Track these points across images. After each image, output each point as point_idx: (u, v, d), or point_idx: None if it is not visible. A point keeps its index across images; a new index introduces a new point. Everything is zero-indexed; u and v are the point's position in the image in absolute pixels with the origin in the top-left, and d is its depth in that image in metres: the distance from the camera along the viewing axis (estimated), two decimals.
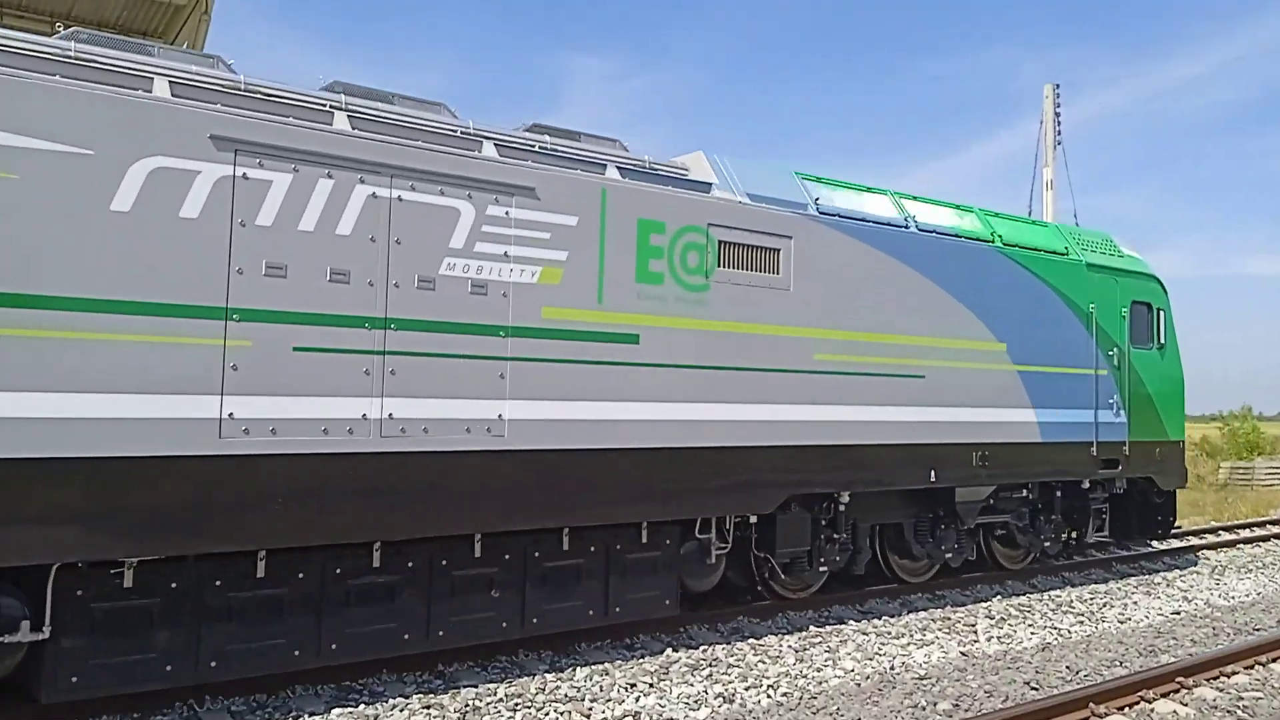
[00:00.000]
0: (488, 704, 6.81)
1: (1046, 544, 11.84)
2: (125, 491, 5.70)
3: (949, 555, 10.84)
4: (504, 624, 7.40)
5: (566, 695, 7.07)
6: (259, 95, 6.63)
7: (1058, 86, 26.23)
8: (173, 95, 6.12)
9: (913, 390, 9.81)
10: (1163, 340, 12.63)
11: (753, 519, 8.99)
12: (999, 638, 9.22)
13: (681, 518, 8.19)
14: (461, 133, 7.28)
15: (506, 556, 7.42)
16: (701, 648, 8.39)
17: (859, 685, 7.49)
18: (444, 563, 7.14)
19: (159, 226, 5.86)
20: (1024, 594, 11.25)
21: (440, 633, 7.10)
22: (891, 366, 9.63)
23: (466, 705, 6.76)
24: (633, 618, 8.15)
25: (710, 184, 8.62)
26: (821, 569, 9.68)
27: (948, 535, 10.69)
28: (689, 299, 8.17)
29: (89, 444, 5.59)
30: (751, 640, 8.72)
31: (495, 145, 7.35)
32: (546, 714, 6.70)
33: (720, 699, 7.11)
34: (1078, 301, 11.54)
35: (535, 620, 7.55)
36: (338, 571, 6.74)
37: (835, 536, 9.63)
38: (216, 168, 6.07)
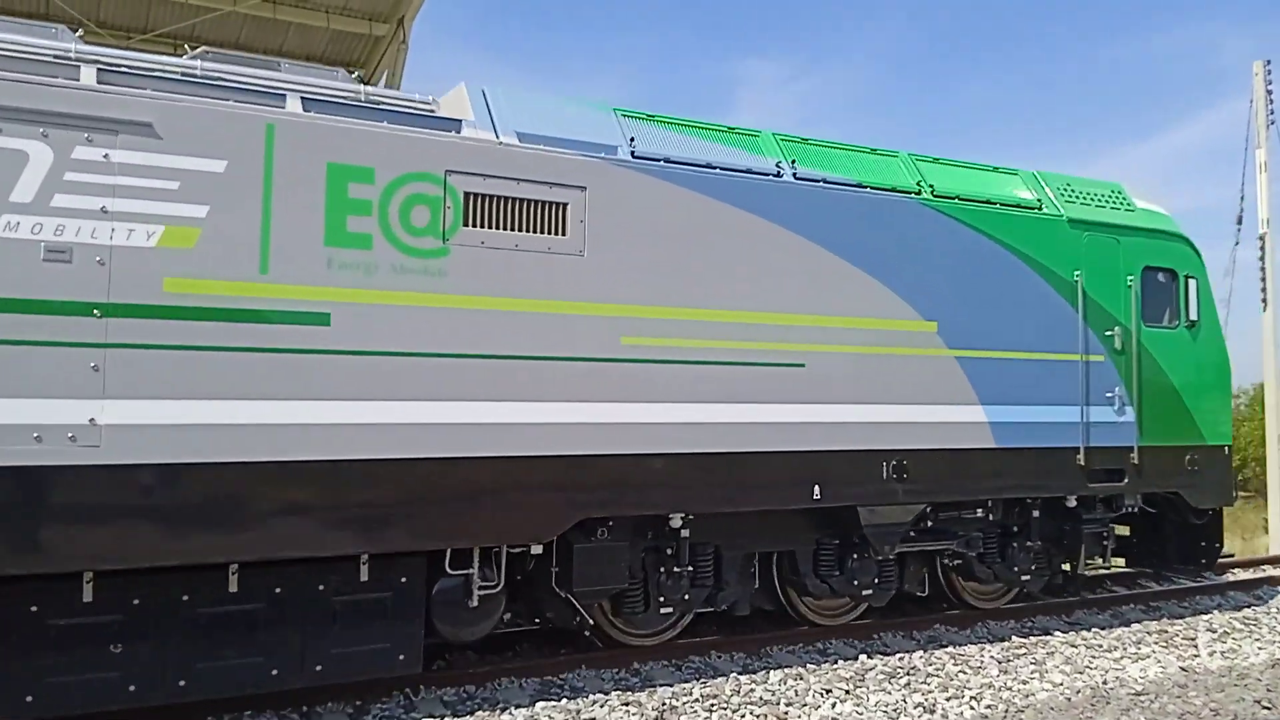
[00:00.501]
0: (684, 704, 6.86)
1: (1026, 577, 9.29)
2: None
3: (868, 593, 8.51)
4: (130, 688, 5.74)
5: (761, 698, 7.03)
6: None
7: (1268, 63, 23.11)
8: None
9: (785, 383, 7.61)
10: (1193, 317, 9.81)
11: (537, 549, 7.05)
12: (1222, 653, 8.58)
13: (402, 550, 6.35)
14: (56, 56, 5.70)
15: (135, 601, 5.77)
16: (897, 655, 8.19)
17: (1069, 700, 7.17)
18: (34, 610, 5.56)
19: None
20: (1248, 606, 10.39)
21: (28, 699, 5.51)
22: (749, 353, 7.48)
23: (664, 704, 6.82)
24: (345, 679, 6.35)
25: (459, 121, 6.75)
26: (665, 610, 7.61)
27: (864, 567, 8.38)
28: (415, 268, 6.34)
29: None
30: (950, 649, 8.44)
31: (100, 70, 5.73)
32: (743, 717, 6.69)
33: (920, 709, 6.91)
34: (1054, 268, 8.98)
35: (182, 684, 5.85)
36: None
37: (676, 570, 7.55)
38: None
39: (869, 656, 8.11)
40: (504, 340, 6.57)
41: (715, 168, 7.51)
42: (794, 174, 7.87)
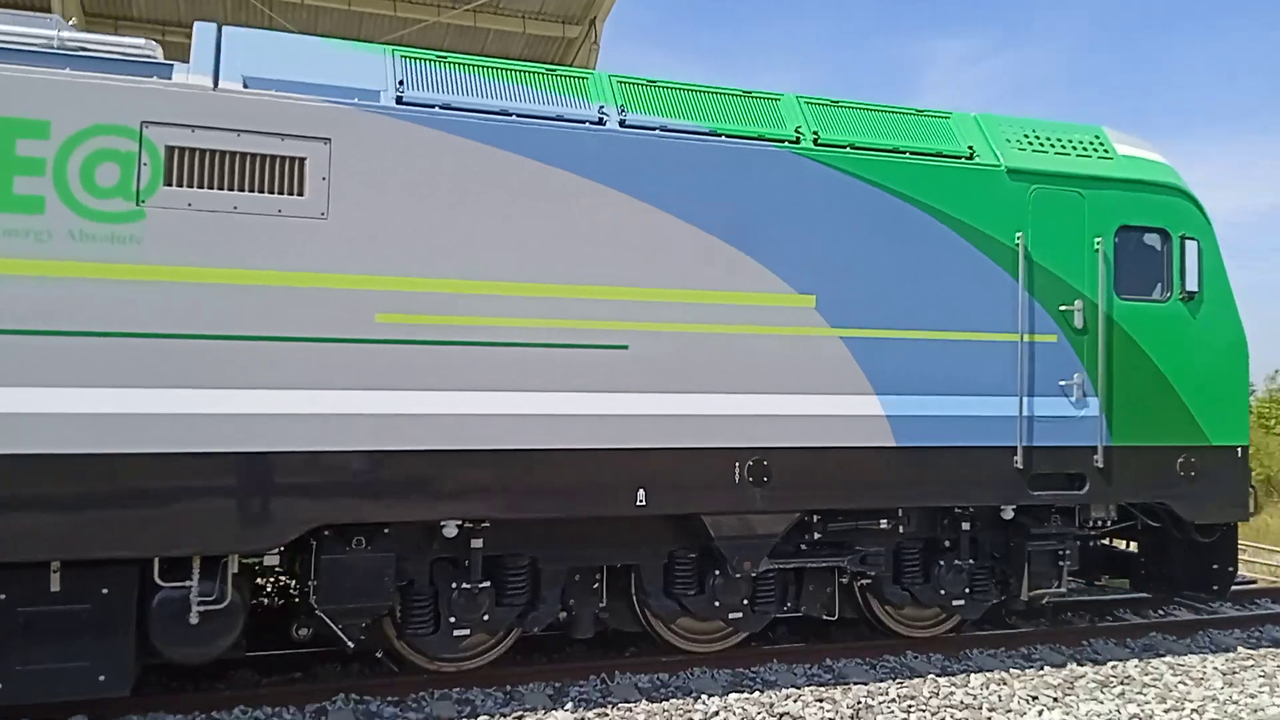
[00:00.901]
0: (880, 703, 6.74)
1: (959, 602, 7.72)
2: None
3: (736, 615, 7.19)
4: None
5: (962, 702, 6.81)
6: None
7: None
8: None
9: (601, 369, 6.42)
10: (1191, 288, 7.94)
11: (272, 560, 6.12)
12: None
13: (85, 557, 5.53)
14: None
15: None
16: (1110, 663, 7.85)
17: None
18: None
19: None
20: None
21: None
22: (552, 333, 6.32)
23: (859, 703, 6.71)
24: (33, 699, 5.61)
25: (170, 66, 5.87)
26: (460, 631, 6.55)
27: (729, 586, 7.07)
28: (99, 234, 5.51)
29: None
30: (1169, 658, 8.04)
31: None
32: None
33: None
34: (984, 228, 7.37)
35: None
36: None
37: (467, 586, 6.47)
38: None
39: (1078, 664, 7.79)
40: (217, 317, 5.66)
41: (512, 114, 6.37)
42: (622, 121, 6.63)
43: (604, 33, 14.21)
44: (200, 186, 5.69)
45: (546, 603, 6.77)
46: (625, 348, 6.47)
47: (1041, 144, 7.79)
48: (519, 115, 6.38)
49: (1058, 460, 7.49)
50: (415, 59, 6.49)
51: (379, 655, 6.87)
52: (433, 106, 6.22)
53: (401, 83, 6.24)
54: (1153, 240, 7.93)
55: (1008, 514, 7.61)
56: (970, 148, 7.49)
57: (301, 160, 5.87)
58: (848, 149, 7.10)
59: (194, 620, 5.86)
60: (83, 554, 5.47)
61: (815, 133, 7.07)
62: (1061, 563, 7.75)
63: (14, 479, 5.30)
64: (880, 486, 7.08)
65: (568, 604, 7.00)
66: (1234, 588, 9.39)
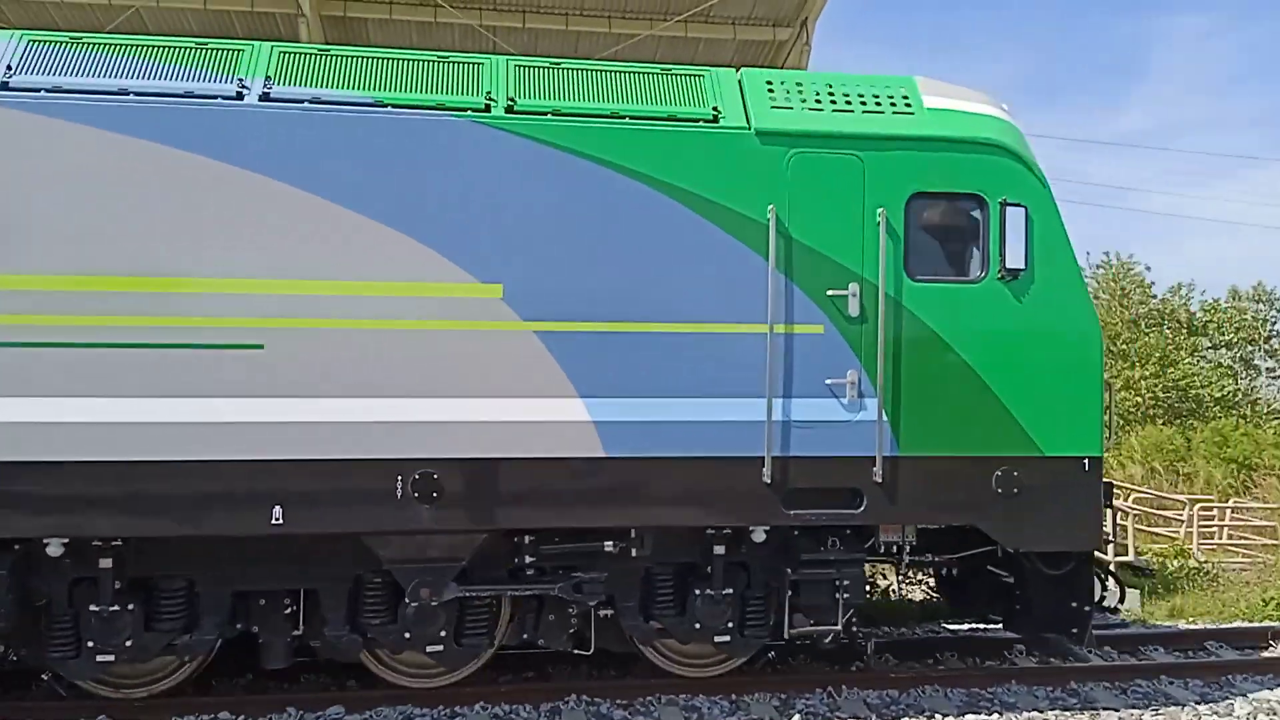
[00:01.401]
0: None
1: (723, 638, 6.63)
2: None
3: (436, 648, 6.35)
4: None
5: None
6: None
7: None
8: None
9: (228, 370, 5.78)
10: (1014, 264, 6.55)
11: None
12: None
13: None
14: None
15: None
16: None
17: None
18: None
19: None
20: None
21: None
22: (172, 332, 5.73)
23: None
24: None
25: None
26: (103, 657, 6.01)
27: (422, 614, 6.26)
28: None
29: None
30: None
31: None
32: None
33: None
34: (724, 201, 6.29)
35: None
36: None
37: (97, 609, 5.94)
38: None
39: None
40: None
41: (130, 94, 5.82)
42: (265, 94, 5.97)
43: (814, 33, 14.02)
44: None
45: (203, 629, 6.16)
46: (259, 347, 5.80)
47: (819, 101, 6.62)
48: (139, 94, 5.83)
49: (823, 473, 6.30)
50: (37, 41, 6.04)
51: (44, 677, 6.45)
52: (39, 90, 5.75)
53: (10, 68, 5.80)
54: (964, 209, 6.61)
55: (758, 536, 6.47)
56: (715, 109, 6.42)
57: None
58: (549, 116, 6.19)
59: None
60: None
61: (511, 99, 6.20)
62: (839, 595, 6.52)
63: None
64: (587, 503, 6.11)
65: (250, 630, 6.36)
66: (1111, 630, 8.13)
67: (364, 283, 5.92)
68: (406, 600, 6.16)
